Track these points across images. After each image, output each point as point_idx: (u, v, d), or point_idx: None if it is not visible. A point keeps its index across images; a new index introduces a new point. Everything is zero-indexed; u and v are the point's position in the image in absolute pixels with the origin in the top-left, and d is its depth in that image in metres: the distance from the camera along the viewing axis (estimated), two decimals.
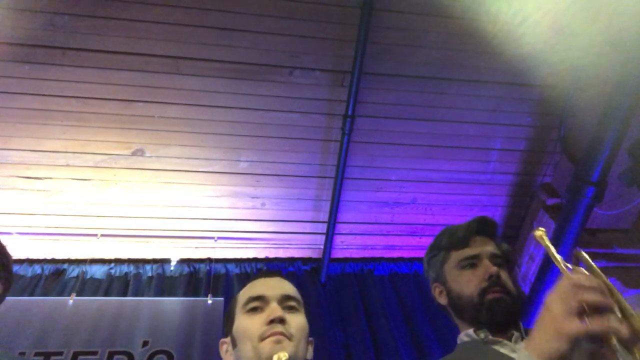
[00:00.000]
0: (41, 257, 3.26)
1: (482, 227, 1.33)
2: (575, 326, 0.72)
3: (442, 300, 1.33)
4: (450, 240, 1.33)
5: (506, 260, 1.30)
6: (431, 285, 1.38)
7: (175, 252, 3.40)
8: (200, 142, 3.03)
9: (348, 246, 3.63)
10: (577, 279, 0.77)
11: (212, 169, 3.14)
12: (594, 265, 0.86)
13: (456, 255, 1.30)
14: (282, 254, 3.58)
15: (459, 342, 1.27)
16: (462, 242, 1.30)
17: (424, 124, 3.16)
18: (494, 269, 1.22)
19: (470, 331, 1.21)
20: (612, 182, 2.65)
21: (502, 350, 1.12)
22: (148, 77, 2.77)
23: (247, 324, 1.02)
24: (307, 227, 3.50)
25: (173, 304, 3.02)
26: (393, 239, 3.64)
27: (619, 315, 0.75)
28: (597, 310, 0.73)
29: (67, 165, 2.99)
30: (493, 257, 1.26)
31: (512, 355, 1.09)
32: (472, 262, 1.27)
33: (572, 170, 2.94)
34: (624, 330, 0.71)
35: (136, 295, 3.10)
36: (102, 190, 3.11)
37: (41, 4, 2.49)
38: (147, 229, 3.29)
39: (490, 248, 1.29)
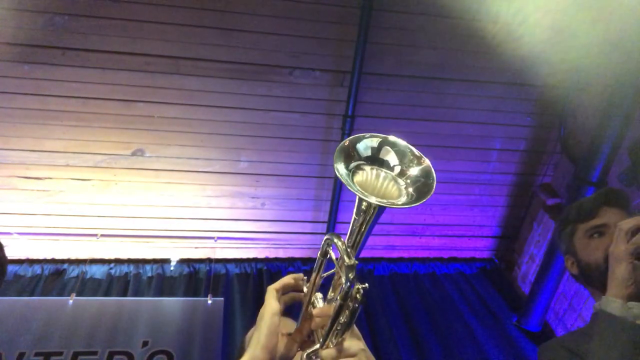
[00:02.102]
0: (41, 257, 3.26)
1: (612, 198, 1.34)
2: None
3: (574, 270, 1.36)
4: (578, 212, 1.36)
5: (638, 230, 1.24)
6: (564, 257, 1.42)
7: (175, 252, 3.40)
8: (200, 142, 3.03)
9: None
10: None
11: (212, 169, 3.14)
12: None
13: (584, 226, 1.33)
14: (282, 254, 3.58)
15: (594, 310, 1.23)
16: (589, 213, 1.32)
17: (424, 124, 3.16)
18: None
19: None
20: (612, 182, 2.65)
21: None
22: (148, 77, 2.77)
23: None
24: (307, 227, 3.50)
25: (173, 304, 3.02)
26: (393, 239, 3.64)
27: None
28: None
29: (67, 165, 2.99)
30: None
31: None
32: (599, 231, 1.29)
33: (572, 170, 2.94)
34: None
35: (136, 295, 3.10)
36: (102, 190, 3.11)
37: (41, 4, 2.49)
38: (147, 229, 3.29)
39: (619, 218, 1.26)
